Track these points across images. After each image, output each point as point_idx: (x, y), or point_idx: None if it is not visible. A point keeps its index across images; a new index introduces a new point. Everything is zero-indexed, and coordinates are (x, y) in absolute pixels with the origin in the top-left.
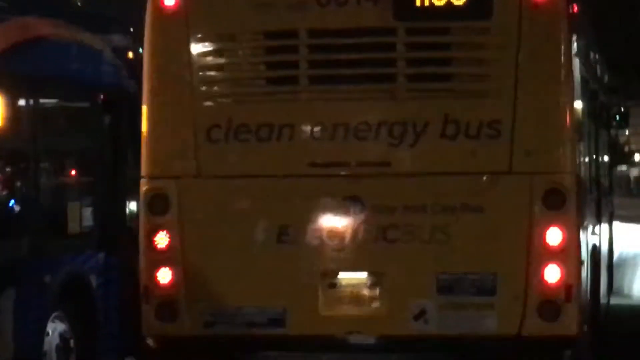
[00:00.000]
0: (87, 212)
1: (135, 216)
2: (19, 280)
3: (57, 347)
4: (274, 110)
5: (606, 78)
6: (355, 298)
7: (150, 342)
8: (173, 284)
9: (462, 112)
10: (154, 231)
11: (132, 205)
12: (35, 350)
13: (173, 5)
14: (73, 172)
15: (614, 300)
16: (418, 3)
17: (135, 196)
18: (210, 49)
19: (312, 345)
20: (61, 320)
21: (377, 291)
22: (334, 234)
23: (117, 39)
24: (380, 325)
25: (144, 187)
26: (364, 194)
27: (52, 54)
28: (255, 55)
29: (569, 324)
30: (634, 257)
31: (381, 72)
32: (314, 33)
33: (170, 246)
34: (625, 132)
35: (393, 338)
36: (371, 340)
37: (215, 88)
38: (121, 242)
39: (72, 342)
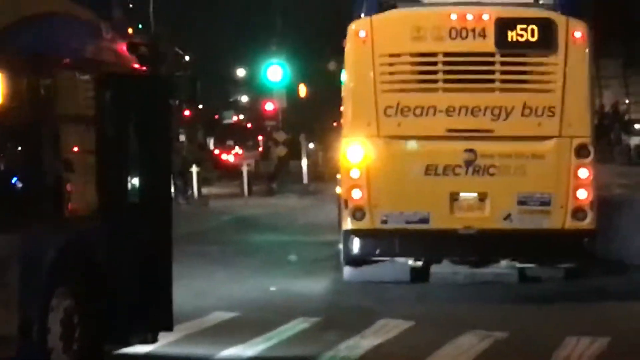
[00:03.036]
0: (90, 186)
1: (139, 188)
2: (21, 255)
3: (62, 322)
4: (424, 98)
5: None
6: (469, 208)
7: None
8: (361, 197)
9: (533, 102)
10: (350, 168)
11: (134, 180)
12: (40, 326)
13: (364, 37)
14: (74, 146)
15: None
16: (509, 39)
17: (138, 169)
18: (385, 61)
19: (444, 234)
20: (66, 296)
21: (482, 204)
22: (458, 170)
23: (116, 14)
24: (484, 223)
25: (345, 141)
26: (477, 147)
27: (52, 30)
28: (412, 65)
29: (591, 222)
30: None
31: (486, 77)
32: (447, 54)
33: (360, 176)
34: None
35: (491, 230)
36: (476, 232)
37: (389, 85)
38: (125, 214)
39: (75, 317)
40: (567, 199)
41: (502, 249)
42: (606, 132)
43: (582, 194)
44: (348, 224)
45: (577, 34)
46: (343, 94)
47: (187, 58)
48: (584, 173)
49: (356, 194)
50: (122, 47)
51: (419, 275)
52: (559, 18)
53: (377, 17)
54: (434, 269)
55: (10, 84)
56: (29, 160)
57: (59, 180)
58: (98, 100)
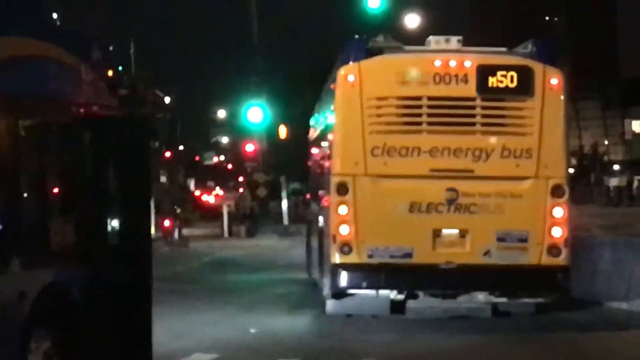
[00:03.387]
0: (69, 228)
1: (119, 230)
2: None
3: None
4: (409, 140)
5: None
6: (451, 243)
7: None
8: (349, 233)
9: (512, 144)
10: (338, 204)
11: (113, 222)
12: None
13: (353, 81)
14: (54, 188)
15: None
16: (490, 84)
17: (117, 211)
18: (373, 104)
19: (427, 269)
20: (45, 338)
21: (463, 240)
22: (440, 207)
23: (97, 57)
24: (464, 258)
25: (334, 179)
26: (458, 186)
27: (31, 72)
28: (398, 108)
29: (565, 258)
30: None
31: (467, 120)
32: (431, 98)
33: (348, 212)
34: (605, 142)
35: (471, 265)
36: (457, 267)
37: (376, 126)
38: (105, 256)
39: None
40: (543, 236)
41: (481, 282)
42: (586, 173)
43: (557, 232)
44: (336, 258)
45: (553, 81)
46: (331, 134)
47: (167, 100)
48: (558, 212)
49: (344, 229)
50: (102, 89)
51: (396, 308)
52: (536, 65)
53: (365, 63)
54: (410, 303)
55: None
56: (7, 202)
57: (38, 222)
58: (77, 141)
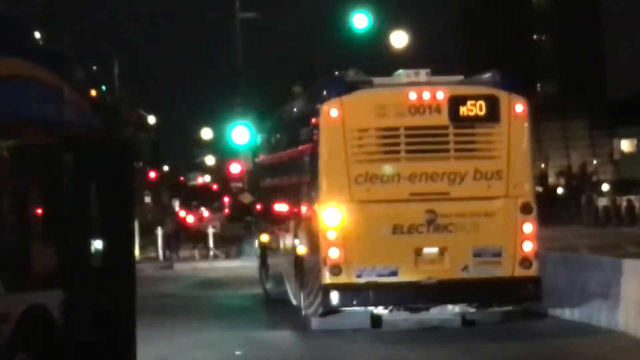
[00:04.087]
0: (51, 250)
1: (101, 253)
2: None
3: None
4: (389, 167)
5: None
6: (431, 261)
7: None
8: (338, 256)
9: (483, 167)
10: (327, 229)
11: (96, 244)
12: None
13: (336, 116)
14: (35, 210)
15: None
16: (461, 113)
17: (100, 233)
18: (355, 136)
19: (411, 285)
20: None
21: (442, 257)
22: (420, 228)
23: (79, 77)
24: (444, 274)
25: (323, 206)
26: (436, 208)
27: (13, 93)
28: (378, 138)
29: (536, 270)
30: None
31: (442, 147)
32: (408, 128)
33: (336, 237)
34: (593, 162)
35: (450, 280)
36: (438, 282)
37: (358, 156)
38: (87, 279)
39: None
40: (515, 250)
41: (460, 295)
42: (574, 193)
43: (528, 246)
44: (326, 278)
45: (518, 108)
46: (317, 165)
47: (150, 120)
48: (528, 227)
49: (333, 252)
50: (84, 109)
51: (374, 322)
52: (502, 94)
53: (347, 98)
54: (386, 316)
55: None
56: None
57: (20, 244)
58: (59, 163)
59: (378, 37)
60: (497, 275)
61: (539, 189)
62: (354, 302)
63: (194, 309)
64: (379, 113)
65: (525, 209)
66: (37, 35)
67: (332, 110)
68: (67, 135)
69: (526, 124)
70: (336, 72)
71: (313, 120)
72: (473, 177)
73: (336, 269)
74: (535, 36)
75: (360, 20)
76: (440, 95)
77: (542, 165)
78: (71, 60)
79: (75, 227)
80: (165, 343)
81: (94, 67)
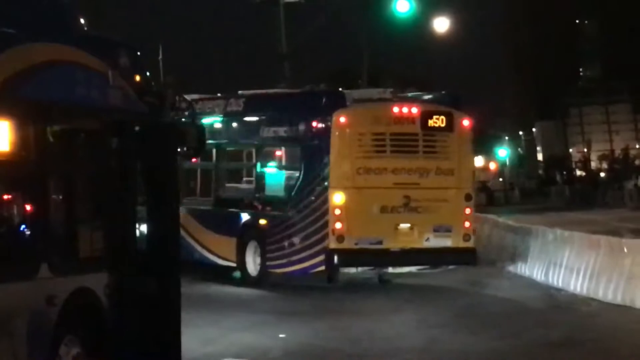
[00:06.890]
0: (97, 234)
1: (147, 237)
2: (28, 303)
3: None
4: (378, 162)
5: None
6: (405, 234)
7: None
8: (342, 227)
9: (442, 165)
10: (335, 208)
11: (142, 228)
12: None
13: (344, 122)
14: (82, 194)
15: None
16: (428, 124)
17: (146, 218)
18: (357, 138)
19: (391, 252)
20: (74, 344)
21: (412, 231)
22: (399, 209)
23: (124, 62)
24: (413, 244)
25: (333, 191)
26: (410, 194)
27: (58, 79)
28: (372, 140)
29: (473, 243)
30: None
31: (415, 149)
32: (392, 134)
33: (341, 214)
34: (636, 146)
35: (417, 249)
36: (409, 249)
37: (359, 153)
38: (133, 262)
39: None
40: (460, 227)
41: (423, 259)
42: (617, 178)
43: (467, 224)
44: (333, 244)
45: (465, 122)
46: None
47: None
48: (468, 211)
49: (338, 225)
50: (130, 95)
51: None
52: (455, 112)
53: (352, 109)
54: (341, 275)
55: (16, 132)
56: (35, 209)
57: (67, 228)
58: (105, 148)
59: (420, 22)
60: (448, 246)
61: (582, 173)
62: (351, 263)
63: (240, 295)
64: (372, 121)
65: (467, 198)
66: (82, 20)
67: (341, 117)
68: (113, 120)
69: (470, 135)
70: (340, 88)
71: (321, 125)
72: (435, 172)
73: (340, 238)
74: (579, 20)
75: (403, 5)
76: (415, 110)
77: (585, 150)
78: (116, 45)
79: (121, 211)
80: (211, 325)
81: (139, 53)
